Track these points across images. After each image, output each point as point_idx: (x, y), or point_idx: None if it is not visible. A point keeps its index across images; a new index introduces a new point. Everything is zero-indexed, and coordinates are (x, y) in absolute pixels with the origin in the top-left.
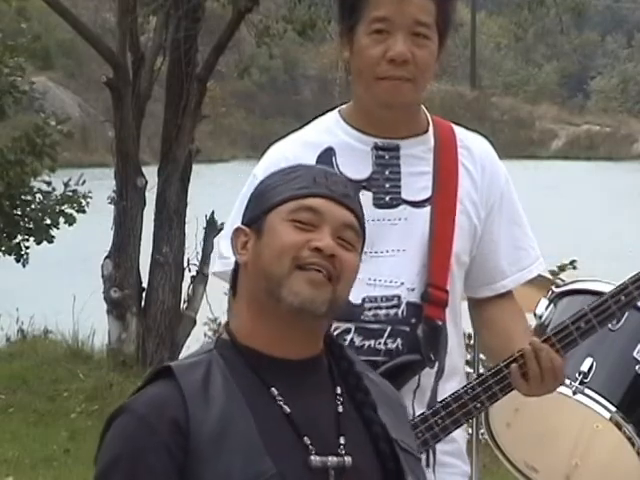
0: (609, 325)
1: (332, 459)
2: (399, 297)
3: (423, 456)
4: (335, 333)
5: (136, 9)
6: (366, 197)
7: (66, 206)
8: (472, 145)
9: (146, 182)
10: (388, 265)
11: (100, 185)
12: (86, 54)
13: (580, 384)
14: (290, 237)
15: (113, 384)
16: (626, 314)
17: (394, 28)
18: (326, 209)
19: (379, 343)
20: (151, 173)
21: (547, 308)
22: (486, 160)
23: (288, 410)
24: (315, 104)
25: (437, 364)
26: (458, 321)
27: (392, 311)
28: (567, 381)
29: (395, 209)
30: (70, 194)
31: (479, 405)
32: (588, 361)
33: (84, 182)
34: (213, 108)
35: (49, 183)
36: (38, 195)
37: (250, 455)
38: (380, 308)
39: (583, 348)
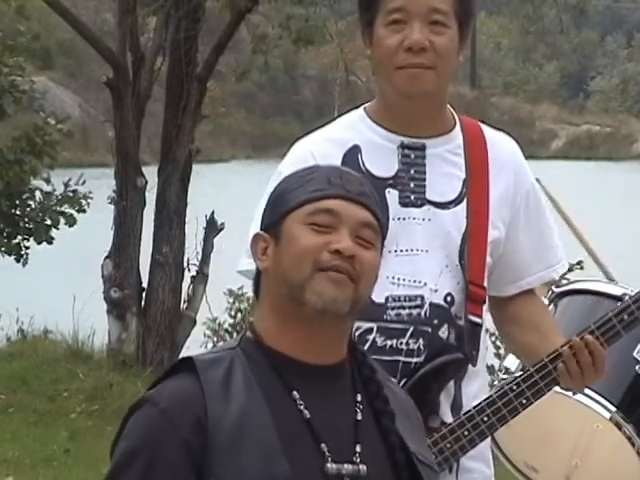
0: None
1: (347, 467)
2: (422, 297)
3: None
4: (357, 333)
5: (136, 9)
6: (392, 195)
7: (66, 206)
8: (499, 146)
9: (146, 182)
10: (411, 265)
11: (100, 185)
12: (86, 54)
13: None
14: (309, 241)
15: (113, 384)
16: None
17: (410, 17)
18: (342, 210)
19: (401, 343)
20: (151, 173)
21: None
22: (512, 162)
23: (308, 415)
24: (315, 104)
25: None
26: (485, 322)
27: (415, 311)
28: None
29: (419, 209)
30: (70, 194)
31: (525, 401)
32: None
33: (84, 182)
34: (213, 108)
35: (48, 181)
36: (38, 195)
37: (267, 455)
38: (403, 308)
39: None
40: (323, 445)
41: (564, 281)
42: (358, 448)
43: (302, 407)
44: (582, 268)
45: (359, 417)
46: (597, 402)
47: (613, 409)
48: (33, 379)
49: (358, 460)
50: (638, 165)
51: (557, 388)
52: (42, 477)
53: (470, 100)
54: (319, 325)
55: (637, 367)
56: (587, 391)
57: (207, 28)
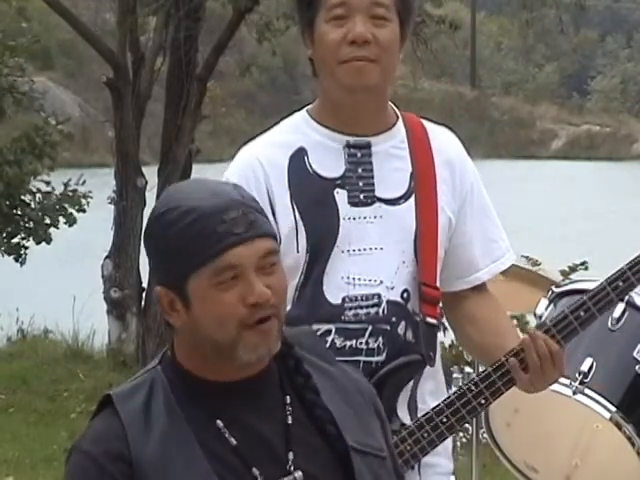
0: (609, 325)
1: None
2: (379, 296)
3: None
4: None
5: (136, 9)
6: (341, 195)
7: (67, 205)
8: (441, 139)
9: (146, 182)
10: (366, 263)
11: (100, 185)
12: (86, 54)
13: (580, 384)
14: (225, 304)
15: (113, 384)
16: (626, 314)
17: (352, 11)
18: (242, 258)
19: (360, 343)
20: (151, 173)
21: (547, 308)
22: (455, 153)
23: (234, 442)
24: None
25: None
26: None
27: (373, 310)
28: (567, 381)
29: (370, 207)
30: (70, 194)
31: (483, 401)
32: (588, 361)
33: (84, 182)
34: (213, 108)
35: (48, 183)
36: (38, 195)
37: (198, 475)
38: (360, 307)
39: (583, 348)
40: (254, 470)
41: (565, 281)
42: (291, 455)
43: (227, 435)
44: (586, 269)
45: (289, 421)
46: (597, 402)
47: (613, 409)
48: (33, 379)
49: (292, 468)
50: (638, 165)
51: (556, 388)
52: (42, 477)
53: (470, 100)
54: (251, 368)
55: (637, 367)
56: (587, 391)
57: (207, 28)
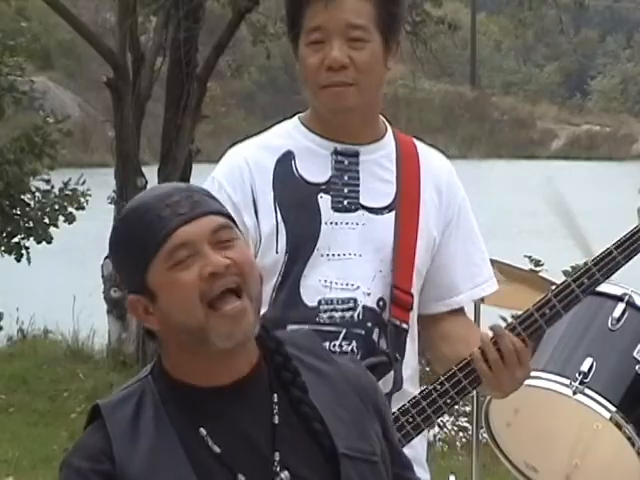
0: (609, 325)
1: None
2: (355, 300)
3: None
4: None
5: (136, 9)
6: (324, 200)
7: (65, 204)
8: (432, 161)
9: (146, 182)
10: (344, 268)
11: (100, 185)
12: (86, 54)
13: (580, 384)
14: (183, 281)
15: (113, 384)
16: (626, 314)
17: (329, 36)
18: (190, 235)
19: (334, 345)
20: (151, 173)
21: None
22: (445, 175)
23: (218, 450)
24: None
25: (394, 375)
26: (415, 338)
27: (348, 314)
28: (567, 381)
29: (353, 214)
30: (70, 193)
31: (449, 401)
32: (588, 361)
33: (84, 182)
34: (213, 108)
35: (48, 181)
36: (37, 195)
37: None
38: (336, 310)
39: (583, 348)
40: (240, 476)
41: None
42: (277, 456)
43: (210, 443)
44: None
45: (276, 421)
46: (597, 402)
47: (613, 409)
48: (33, 379)
49: (278, 469)
50: (638, 165)
51: (556, 388)
52: (42, 477)
53: (470, 100)
54: (230, 355)
55: (637, 367)
56: (587, 391)
57: (207, 28)
